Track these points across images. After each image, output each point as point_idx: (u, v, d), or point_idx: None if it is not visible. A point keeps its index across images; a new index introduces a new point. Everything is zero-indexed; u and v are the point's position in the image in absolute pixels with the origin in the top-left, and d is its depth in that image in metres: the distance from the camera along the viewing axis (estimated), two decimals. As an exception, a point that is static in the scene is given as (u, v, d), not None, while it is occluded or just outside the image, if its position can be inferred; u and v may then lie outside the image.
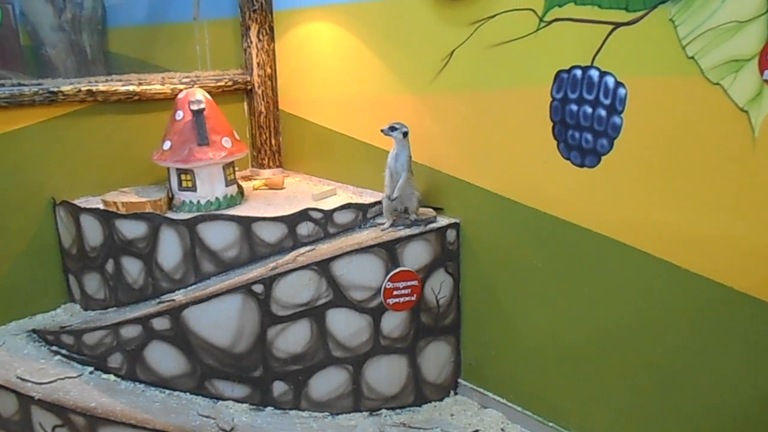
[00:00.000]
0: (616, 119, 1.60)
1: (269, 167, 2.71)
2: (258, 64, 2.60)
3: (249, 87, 2.57)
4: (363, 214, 2.13)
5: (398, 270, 1.99)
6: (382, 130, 1.94)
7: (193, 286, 1.95)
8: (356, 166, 2.41)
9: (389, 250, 1.96)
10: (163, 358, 1.86)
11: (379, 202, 2.11)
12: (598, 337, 1.74)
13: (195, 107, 2.09)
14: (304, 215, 2.01)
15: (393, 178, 1.99)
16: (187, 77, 2.41)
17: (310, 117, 2.55)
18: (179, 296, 1.91)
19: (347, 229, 2.09)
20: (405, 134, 1.97)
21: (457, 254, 2.07)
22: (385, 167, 2.00)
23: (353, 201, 2.16)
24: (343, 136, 2.41)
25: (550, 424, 1.88)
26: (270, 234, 1.97)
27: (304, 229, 2.02)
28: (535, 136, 1.78)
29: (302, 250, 1.98)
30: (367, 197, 2.24)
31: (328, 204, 2.15)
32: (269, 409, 1.89)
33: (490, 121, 1.90)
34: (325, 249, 1.95)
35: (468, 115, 1.95)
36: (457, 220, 2.05)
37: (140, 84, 2.29)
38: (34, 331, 1.97)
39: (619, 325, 1.69)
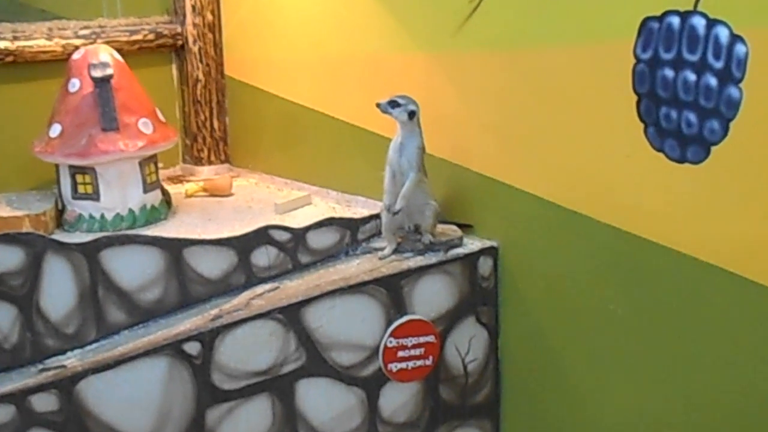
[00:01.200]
0: (733, 91, 1.60)
1: (210, 163, 2.69)
2: (193, 8, 2.58)
3: (179, 43, 2.63)
4: (352, 234, 2.14)
5: (405, 320, 1.99)
6: (378, 105, 1.93)
7: (95, 345, 1.89)
8: (342, 161, 2.39)
9: (392, 290, 1.97)
10: (48, 456, 1.81)
11: (377, 217, 2.12)
12: (711, 421, 1.73)
13: (98, 73, 2.09)
14: (262, 236, 2.01)
15: (396, 181, 2.01)
16: (86, 28, 2.45)
17: (272, 88, 2.53)
18: (73, 361, 1.84)
19: (328, 257, 2.10)
20: (412, 114, 1.95)
21: (494, 295, 2.10)
22: (385, 164, 2.04)
23: (337, 215, 2.18)
24: (322, 116, 2.39)
25: None
26: (211, 265, 1.95)
27: (263, 257, 2.01)
28: (611, 117, 1.78)
29: (259, 289, 1.96)
30: (358, 208, 2.29)
31: (298, 219, 2.19)
32: None
33: (541, 93, 1.90)
34: (294, 288, 1.95)
35: (509, 85, 1.95)
36: (495, 244, 2.08)
37: (15, 38, 2.30)
38: None
39: (745, 402, 1.68)
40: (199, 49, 2.59)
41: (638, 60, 1.71)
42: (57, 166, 2.14)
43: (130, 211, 2.15)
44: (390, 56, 2.17)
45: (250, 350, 1.88)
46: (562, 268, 1.97)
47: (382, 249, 2.09)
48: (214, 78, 2.64)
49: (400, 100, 1.97)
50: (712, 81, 1.62)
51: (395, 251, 2.06)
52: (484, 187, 2.08)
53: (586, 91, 1.82)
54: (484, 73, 2.00)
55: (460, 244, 2.08)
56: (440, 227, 2.11)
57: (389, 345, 1.98)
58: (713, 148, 1.63)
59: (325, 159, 2.45)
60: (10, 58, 2.29)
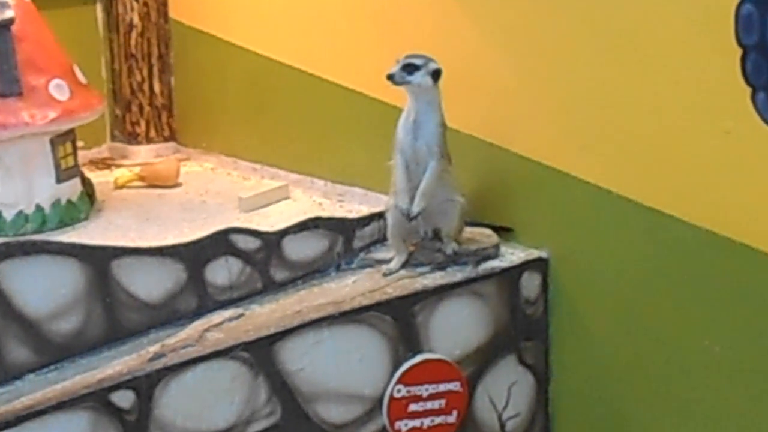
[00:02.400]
0: None
1: (149, 142, 2.70)
2: None
3: (106, -27, 2.71)
4: (345, 240, 2.15)
5: (419, 360, 2.00)
6: (391, 77, 1.96)
7: (-11, 394, 1.88)
8: (332, 139, 2.40)
9: (401, 319, 1.98)
10: None
11: (380, 216, 2.14)
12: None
13: (-7, 17, 2.12)
14: (221, 244, 2.01)
15: (411, 173, 2.03)
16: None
17: (236, 36, 2.54)
18: (-43, 415, 1.82)
19: (312, 272, 2.11)
20: (437, 75, 1.98)
21: (542, 326, 2.12)
22: (394, 151, 2.04)
23: (324, 213, 2.20)
24: (304, 75, 2.40)
25: None
26: (150, 284, 1.96)
27: (222, 273, 2.02)
28: (706, 79, 1.80)
29: (217, 317, 1.97)
30: (354, 204, 2.29)
31: (271, 219, 2.20)
32: None
33: (611, 47, 1.92)
34: (265, 316, 1.96)
35: (567, 34, 1.97)
36: (544, 254, 2.10)
37: None
38: None
39: None
40: (134, -20, 2.65)
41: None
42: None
43: (38, 207, 2.15)
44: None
45: (205, 402, 1.87)
46: (637, 288, 1.97)
47: (387, 261, 2.10)
48: (155, 22, 2.64)
49: (417, 61, 1.97)
50: None
51: (406, 264, 2.07)
52: (529, 175, 2.08)
53: (671, 44, 1.85)
54: (531, 17, 2.02)
55: (495, 255, 2.09)
56: (468, 231, 2.11)
57: (397, 395, 1.98)
58: None
59: (308, 136, 2.45)
60: None
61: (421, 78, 1.97)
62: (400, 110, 2.05)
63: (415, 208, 2.01)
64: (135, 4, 2.63)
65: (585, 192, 2.00)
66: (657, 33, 1.86)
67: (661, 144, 1.90)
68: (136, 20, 2.64)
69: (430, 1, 2.16)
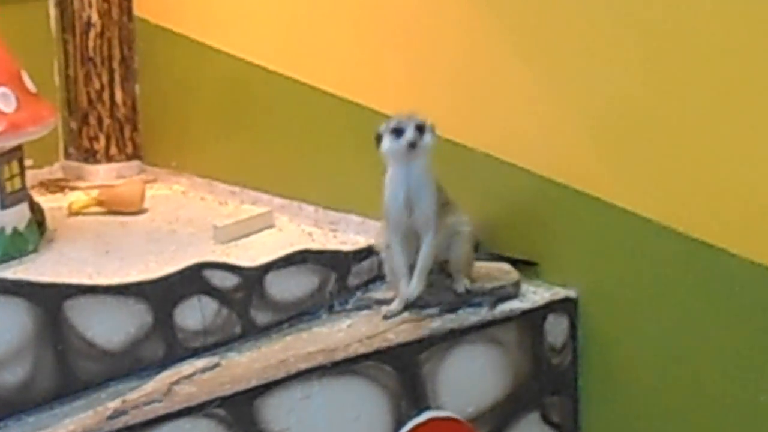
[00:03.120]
0: None
1: (110, 160, 2.73)
2: None
3: (60, -35, 2.71)
4: (339, 277, 2.17)
5: (426, 418, 2.00)
6: (412, 144, 1.99)
7: None
8: (324, 157, 2.42)
9: (404, 369, 1.99)
10: None
11: (371, 252, 2.17)
12: None
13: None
14: (192, 281, 2.03)
15: (408, 239, 2.06)
16: None
17: (211, 37, 2.57)
18: None
19: (300, 314, 2.13)
20: (433, 132, 2.03)
21: (571, 378, 2.12)
22: (384, 219, 2.08)
23: (314, 245, 2.22)
24: (291, 83, 2.42)
25: None
26: (109, 328, 1.97)
27: (194, 315, 2.03)
28: (761, 97, 1.82)
29: (188, 368, 1.97)
30: (350, 234, 2.31)
31: (252, 252, 2.21)
32: None
33: (653, 46, 1.94)
34: (244, 366, 1.96)
35: (597, 28, 2.00)
36: (573, 294, 2.12)
37: None
38: None
39: None
40: (93, -27, 2.66)
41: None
42: None
43: (-22, 237, 2.18)
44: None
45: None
46: (682, 334, 1.98)
47: (388, 302, 2.11)
48: (117, 21, 2.67)
49: (421, 120, 1.98)
50: None
51: (409, 307, 2.08)
52: (555, 200, 2.09)
53: (722, 57, 1.86)
54: (558, 7, 2.05)
55: (515, 295, 2.11)
56: (482, 266, 2.13)
57: (400, 460, 1.97)
58: None
59: (296, 153, 2.46)
60: None
61: (429, 139, 2.01)
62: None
63: (415, 292, 2.05)
64: (93, 0, 2.66)
65: (620, 220, 2.01)
66: (706, 45, 1.88)
67: (707, 168, 1.92)
68: (94, 18, 2.66)
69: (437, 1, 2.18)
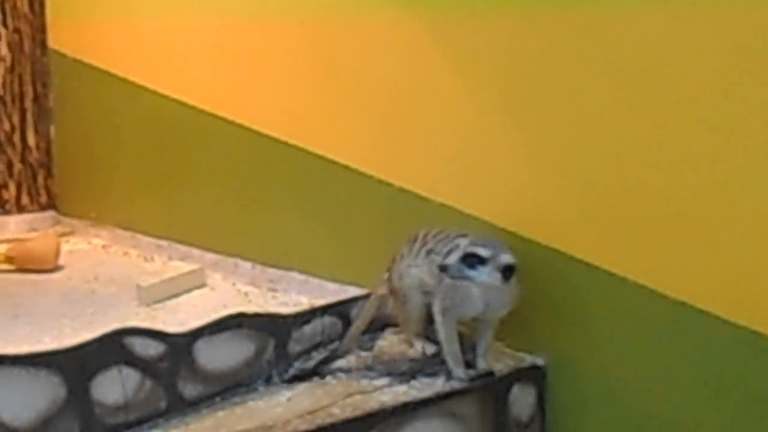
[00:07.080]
0: None
1: (20, 211, 2.71)
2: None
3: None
4: (278, 344, 2.15)
5: None
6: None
7: None
8: (262, 207, 2.40)
9: None
10: None
11: (322, 311, 2.17)
12: None
13: None
14: (112, 349, 2.01)
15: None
16: None
17: (136, 74, 2.55)
18: None
19: (233, 386, 2.11)
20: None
21: None
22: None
23: (250, 308, 2.20)
24: (226, 124, 2.40)
25: None
26: (17, 405, 1.93)
27: (114, 387, 2.00)
28: (754, 158, 1.83)
29: None
30: (291, 294, 2.31)
31: (181, 315, 2.21)
32: None
33: (640, 90, 1.96)
34: None
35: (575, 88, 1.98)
36: (539, 361, 2.12)
37: None
38: None
39: None
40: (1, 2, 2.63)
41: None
42: None
43: None
44: (346, 21, 2.19)
45: None
46: (663, 405, 1.96)
47: (333, 371, 2.11)
48: (29, 54, 2.65)
49: (482, 251, 1.97)
50: None
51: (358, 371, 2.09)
52: (521, 255, 2.03)
53: (709, 110, 1.88)
54: (522, 51, 2.06)
55: (475, 362, 2.08)
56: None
57: None
58: None
59: (231, 203, 2.45)
60: None
61: (487, 276, 1.98)
62: (354, 173, 2.09)
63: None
64: (3, 31, 2.63)
65: (593, 280, 2.01)
66: (685, 109, 1.91)
67: (686, 226, 1.92)
68: (4, 51, 2.64)
69: (398, 32, 2.18)
